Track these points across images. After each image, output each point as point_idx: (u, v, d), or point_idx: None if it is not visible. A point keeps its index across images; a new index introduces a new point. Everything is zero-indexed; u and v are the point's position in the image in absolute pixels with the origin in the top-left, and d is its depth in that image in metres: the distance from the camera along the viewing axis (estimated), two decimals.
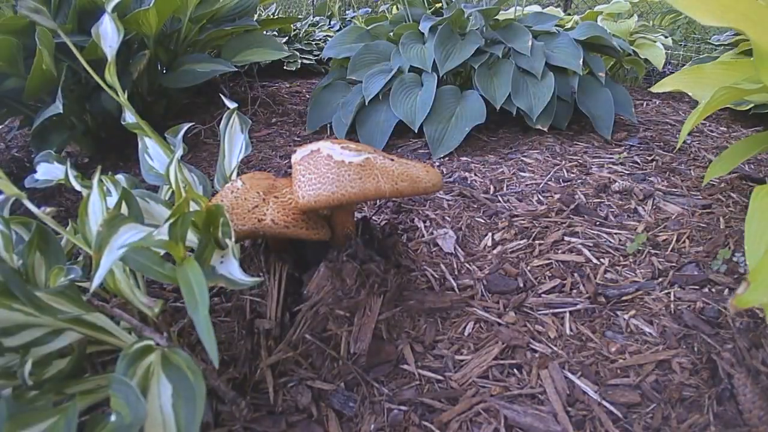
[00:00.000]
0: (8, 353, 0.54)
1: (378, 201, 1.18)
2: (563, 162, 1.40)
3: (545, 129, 1.58)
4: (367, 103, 1.57)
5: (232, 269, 0.55)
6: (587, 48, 1.68)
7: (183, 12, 1.52)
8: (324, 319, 0.75)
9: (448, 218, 1.11)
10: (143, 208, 0.73)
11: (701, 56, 2.23)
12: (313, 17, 3.53)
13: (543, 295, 0.86)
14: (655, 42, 2.17)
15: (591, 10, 2.42)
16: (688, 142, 1.55)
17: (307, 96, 2.21)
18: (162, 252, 0.56)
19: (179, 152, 0.79)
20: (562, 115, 1.65)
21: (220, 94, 0.97)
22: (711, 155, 1.44)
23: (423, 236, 1.04)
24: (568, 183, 1.26)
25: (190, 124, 0.99)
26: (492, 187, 1.26)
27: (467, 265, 0.94)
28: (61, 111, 1.16)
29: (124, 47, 1.42)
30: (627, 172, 1.32)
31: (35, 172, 0.91)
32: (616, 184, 1.22)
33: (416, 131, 1.51)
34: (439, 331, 0.79)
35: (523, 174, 1.34)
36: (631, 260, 0.94)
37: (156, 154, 0.91)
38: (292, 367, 0.72)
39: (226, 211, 0.70)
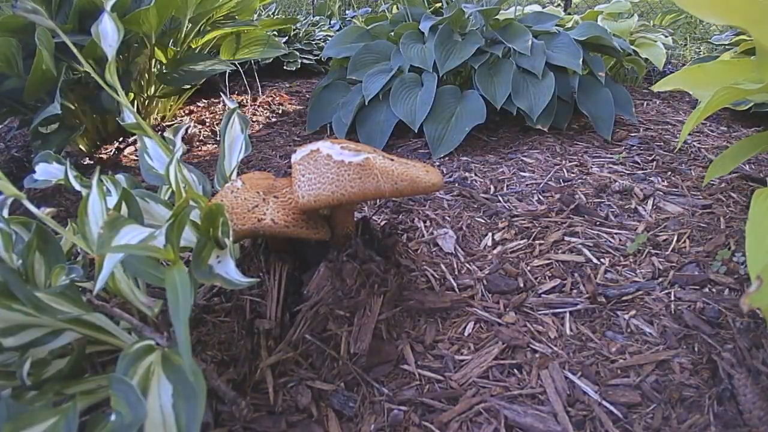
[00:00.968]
0: (8, 353, 0.54)
1: (378, 201, 1.18)
2: (563, 162, 1.40)
3: (545, 129, 1.58)
4: (367, 103, 1.57)
5: (228, 269, 0.55)
6: (587, 48, 1.68)
7: (183, 12, 1.52)
8: (324, 319, 0.75)
9: (448, 218, 1.10)
10: (143, 208, 0.72)
11: (702, 56, 2.23)
12: (314, 17, 3.53)
13: (543, 295, 0.86)
14: (655, 42, 2.17)
15: (591, 10, 2.42)
16: (689, 141, 1.55)
17: (307, 96, 2.21)
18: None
19: (179, 152, 0.79)
20: (562, 115, 1.65)
21: (221, 94, 0.97)
22: (711, 155, 1.44)
23: (423, 236, 1.04)
24: (569, 183, 1.26)
25: (189, 124, 1.00)
26: (492, 187, 1.26)
27: (467, 265, 0.94)
28: (59, 112, 1.16)
29: (124, 47, 1.42)
30: (627, 171, 1.32)
31: (35, 172, 0.91)
32: (617, 183, 1.22)
33: (416, 131, 1.51)
34: (439, 331, 0.79)
35: (523, 174, 1.34)
36: (631, 260, 0.94)
37: (155, 154, 0.91)
38: (292, 367, 0.72)
39: (226, 211, 0.70)
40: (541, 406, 0.65)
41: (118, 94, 0.87)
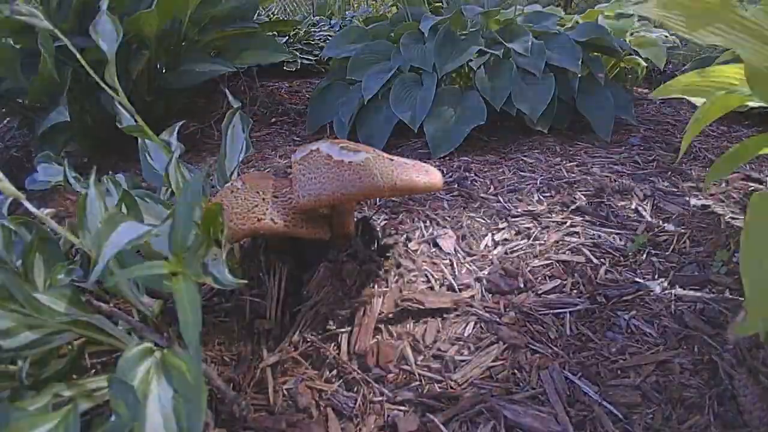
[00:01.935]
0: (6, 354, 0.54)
1: (378, 201, 1.18)
2: (563, 162, 1.39)
3: (545, 131, 1.59)
4: (366, 103, 1.57)
5: (220, 269, 0.55)
6: (587, 48, 1.68)
7: (184, 12, 1.52)
8: (324, 319, 0.75)
9: (448, 218, 1.10)
10: (143, 208, 0.72)
11: (703, 56, 2.22)
12: (314, 17, 3.53)
13: (543, 295, 0.86)
14: (656, 41, 2.17)
15: (591, 10, 2.42)
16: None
17: (307, 96, 2.21)
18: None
19: (177, 152, 0.79)
20: (563, 116, 1.64)
21: (226, 93, 0.97)
22: (711, 155, 1.44)
23: (423, 236, 1.03)
24: (569, 183, 1.26)
25: (182, 122, 0.99)
26: (492, 187, 1.26)
27: (467, 265, 0.94)
28: (68, 119, 1.16)
29: (123, 47, 1.41)
30: (627, 171, 1.32)
31: (35, 172, 0.91)
32: (617, 183, 1.22)
33: (416, 131, 1.51)
34: (439, 331, 0.79)
35: (523, 174, 1.33)
36: (631, 260, 0.94)
37: (156, 155, 0.91)
38: (292, 367, 0.71)
39: (226, 210, 0.70)
40: (541, 406, 0.65)
41: (117, 95, 0.87)
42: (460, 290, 0.88)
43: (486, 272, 0.92)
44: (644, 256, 0.95)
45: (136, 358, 0.51)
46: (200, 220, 0.58)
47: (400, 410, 0.66)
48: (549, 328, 0.78)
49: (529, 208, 1.14)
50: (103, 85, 0.85)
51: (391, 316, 0.77)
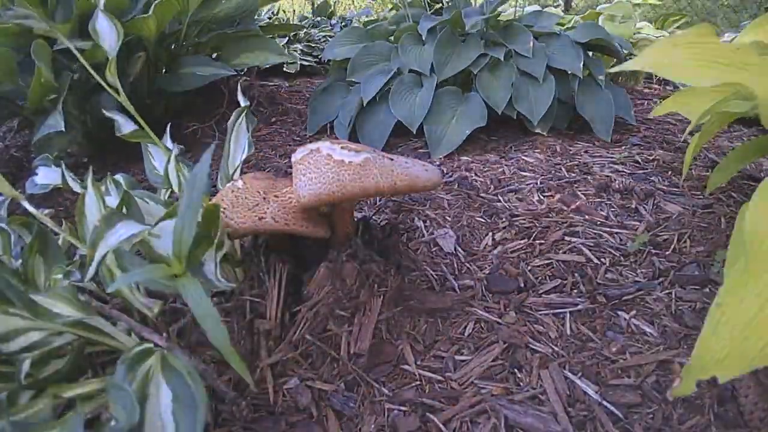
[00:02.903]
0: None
1: (378, 201, 1.18)
2: (564, 161, 1.39)
3: (544, 133, 1.59)
4: (365, 104, 1.57)
5: (210, 270, 0.55)
6: (588, 49, 1.68)
7: (183, 15, 1.51)
8: (324, 319, 0.75)
9: (448, 218, 1.10)
10: (143, 208, 0.72)
11: None
12: (314, 17, 3.53)
13: (543, 295, 0.86)
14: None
15: (592, 10, 2.42)
16: (689, 141, 1.55)
17: (307, 95, 2.21)
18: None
19: (175, 150, 0.79)
20: (563, 116, 1.64)
21: (237, 91, 0.97)
22: (712, 154, 1.44)
23: (423, 236, 1.03)
24: (569, 182, 1.26)
25: (174, 123, 0.99)
26: (492, 187, 1.26)
27: (467, 265, 0.94)
28: (63, 129, 1.16)
29: (122, 49, 1.42)
30: (628, 171, 1.32)
31: (34, 173, 0.91)
32: (617, 183, 1.22)
33: (414, 132, 1.51)
34: (440, 331, 0.79)
35: (523, 173, 1.33)
36: (631, 260, 0.94)
37: (158, 156, 0.91)
38: (292, 367, 0.71)
39: (226, 210, 0.70)
40: (541, 406, 0.65)
41: (119, 94, 0.87)
42: (461, 290, 0.87)
43: (486, 272, 0.92)
44: (644, 255, 0.94)
45: (134, 362, 0.51)
46: (201, 220, 0.58)
47: (400, 410, 0.66)
48: (549, 328, 0.78)
49: (530, 207, 1.14)
50: (104, 85, 0.86)
51: (391, 316, 0.77)
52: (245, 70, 1.99)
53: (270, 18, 3.14)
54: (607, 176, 1.28)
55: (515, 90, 1.53)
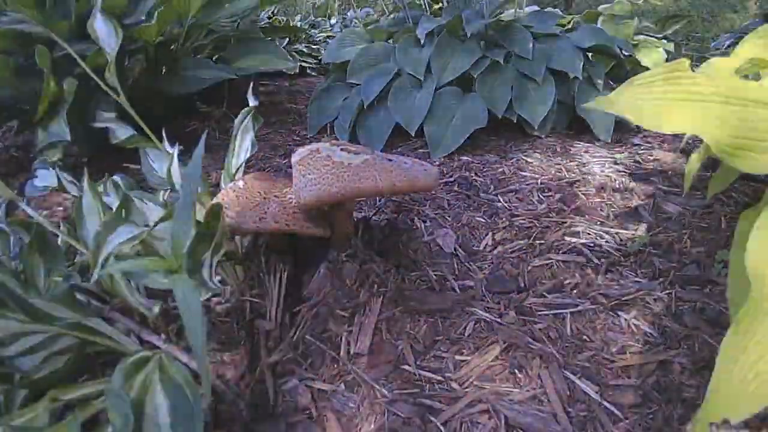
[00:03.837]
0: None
1: (378, 201, 1.18)
2: (564, 161, 1.39)
3: (542, 136, 1.59)
4: (365, 106, 1.57)
5: (205, 270, 0.55)
6: (588, 51, 1.68)
7: (184, 17, 1.51)
8: (324, 319, 0.75)
9: (448, 218, 1.10)
10: (142, 209, 0.72)
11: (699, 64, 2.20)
12: (314, 18, 3.53)
13: (543, 295, 0.86)
14: (658, 48, 2.16)
15: (591, 10, 2.42)
16: (690, 141, 1.55)
17: (307, 95, 2.21)
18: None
19: (176, 151, 0.79)
20: (563, 117, 1.64)
21: (248, 91, 0.97)
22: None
23: (423, 236, 1.03)
24: (569, 182, 1.26)
25: (164, 129, 0.99)
26: (492, 187, 1.26)
27: (467, 265, 0.94)
28: (68, 139, 1.16)
29: (122, 50, 1.42)
30: (628, 171, 1.32)
31: (33, 176, 0.91)
32: (617, 183, 1.22)
33: (413, 134, 1.51)
34: (439, 331, 0.79)
35: (523, 173, 1.33)
36: (631, 260, 0.94)
37: (156, 156, 0.91)
38: (292, 367, 0.71)
39: (227, 209, 0.70)
40: (541, 406, 0.65)
41: (118, 95, 0.88)
42: (460, 290, 0.87)
43: (486, 272, 0.92)
44: (644, 255, 0.94)
45: (132, 371, 0.51)
46: (202, 219, 0.58)
47: (400, 410, 0.65)
48: (549, 328, 0.78)
49: (530, 207, 1.14)
50: (104, 87, 0.86)
51: (391, 316, 0.77)
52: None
53: (270, 18, 3.14)
54: (607, 176, 1.28)
55: (515, 93, 1.53)
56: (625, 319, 0.79)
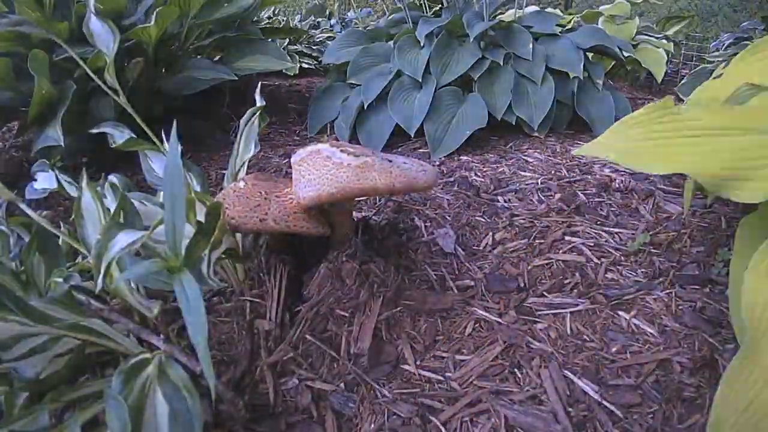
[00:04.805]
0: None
1: (378, 201, 1.18)
2: (564, 161, 1.39)
3: (541, 137, 1.59)
4: (365, 107, 1.57)
5: (203, 268, 0.55)
6: (589, 51, 1.68)
7: (184, 17, 1.51)
8: (324, 319, 0.75)
9: (448, 218, 1.10)
10: (140, 210, 0.72)
11: (697, 69, 2.19)
12: (314, 18, 3.53)
13: (543, 295, 0.86)
14: (658, 48, 2.16)
15: (590, 10, 2.42)
16: None
17: (307, 95, 2.21)
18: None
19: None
20: (563, 117, 1.64)
21: (255, 93, 0.97)
22: None
23: (423, 236, 1.03)
24: (569, 182, 1.26)
25: (162, 130, 0.99)
26: (492, 186, 1.26)
27: (467, 265, 0.94)
28: (62, 144, 1.16)
29: (122, 50, 1.42)
30: (628, 171, 1.32)
31: (33, 179, 0.91)
32: (617, 183, 1.22)
33: (412, 135, 1.52)
34: (439, 331, 0.79)
35: (523, 173, 1.33)
36: (632, 260, 0.94)
37: (155, 157, 0.91)
38: (292, 367, 0.71)
39: (228, 209, 0.71)
40: (541, 406, 0.65)
41: (118, 96, 0.88)
42: (460, 290, 0.87)
43: (486, 272, 0.92)
44: (644, 255, 0.94)
45: (131, 374, 0.51)
46: (193, 216, 0.58)
47: (400, 410, 0.65)
48: (549, 327, 0.78)
49: (530, 207, 1.14)
50: (104, 87, 0.86)
51: (391, 316, 0.77)
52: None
53: (270, 18, 3.14)
54: (607, 176, 1.28)
55: (515, 94, 1.53)
56: (625, 319, 0.79)
